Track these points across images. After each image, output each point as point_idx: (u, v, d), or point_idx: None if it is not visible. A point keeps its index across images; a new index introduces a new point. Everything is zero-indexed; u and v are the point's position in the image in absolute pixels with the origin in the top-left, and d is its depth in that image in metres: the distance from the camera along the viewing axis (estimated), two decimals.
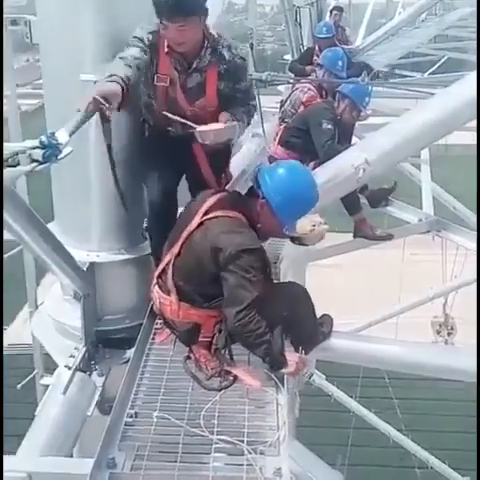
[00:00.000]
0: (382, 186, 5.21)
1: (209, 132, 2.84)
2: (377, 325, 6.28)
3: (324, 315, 3.05)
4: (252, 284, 2.51)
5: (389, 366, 3.76)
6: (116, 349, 3.13)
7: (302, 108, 5.21)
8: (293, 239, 3.22)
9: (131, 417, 2.45)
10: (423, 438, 7.95)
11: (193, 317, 2.67)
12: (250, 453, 2.27)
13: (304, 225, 3.03)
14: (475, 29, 14.76)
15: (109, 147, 2.68)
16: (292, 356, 2.66)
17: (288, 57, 8.88)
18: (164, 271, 2.75)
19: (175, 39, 2.75)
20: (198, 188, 3.00)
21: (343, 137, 4.81)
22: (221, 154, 3.10)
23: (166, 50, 2.84)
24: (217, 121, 2.91)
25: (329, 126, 4.59)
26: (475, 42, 13.74)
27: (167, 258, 2.74)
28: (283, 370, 2.62)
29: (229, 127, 2.87)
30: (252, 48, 5.71)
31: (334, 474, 3.86)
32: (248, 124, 3.12)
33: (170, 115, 2.91)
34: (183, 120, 2.90)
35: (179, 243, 2.68)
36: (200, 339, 2.69)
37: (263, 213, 2.68)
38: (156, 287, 2.79)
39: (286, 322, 2.71)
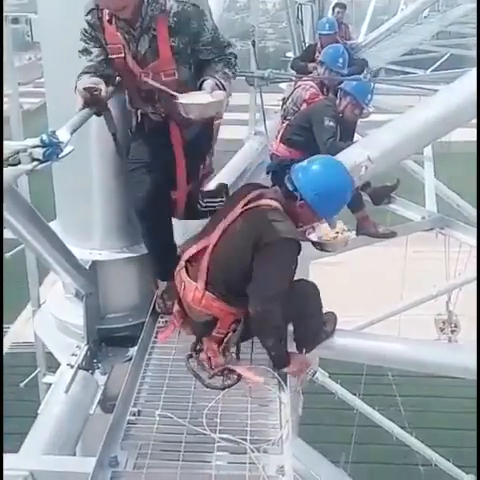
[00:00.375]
0: (385, 183, 5.20)
1: (193, 106, 2.57)
2: (380, 323, 6.27)
3: (328, 313, 3.04)
4: (285, 275, 2.55)
5: (392, 364, 3.75)
6: (119, 347, 3.12)
7: (304, 106, 5.19)
8: (315, 244, 3.11)
9: (134, 415, 2.45)
10: (427, 435, 7.94)
11: (214, 309, 2.64)
12: (253, 451, 2.26)
13: (328, 232, 3.02)
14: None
15: (114, 136, 2.71)
16: (296, 356, 2.66)
17: (290, 54, 8.87)
18: (195, 257, 2.73)
19: (114, 6, 2.51)
20: (167, 182, 2.90)
21: (345, 134, 4.79)
22: (201, 138, 2.93)
23: (107, 18, 2.63)
24: (184, 90, 2.66)
25: (331, 123, 4.58)
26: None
27: (202, 244, 2.71)
28: (286, 369, 2.62)
29: (215, 101, 2.57)
30: (254, 45, 5.71)
31: (337, 472, 3.86)
32: (234, 76, 2.79)
33: (148, 80, 2.67)
34: (162, 87, 2.65)
35: (218, 231, 2.67)
36: (213, 334, 2.68)
37: (303, 213, 2.69)
38: (183, 271, 2.76)
39: (294, 319, 2.73)
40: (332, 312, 3.07)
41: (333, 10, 8.69)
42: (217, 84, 2.61)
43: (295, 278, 2.66)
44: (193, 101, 2.57)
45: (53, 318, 3.32)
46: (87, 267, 3.07)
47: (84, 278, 2.99)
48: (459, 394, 8.48)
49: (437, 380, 7.36)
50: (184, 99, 2.59)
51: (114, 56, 2.67)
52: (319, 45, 7.12)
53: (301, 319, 2.74)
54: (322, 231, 2.97)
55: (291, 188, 2.66)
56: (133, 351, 2.88)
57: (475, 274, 6.99)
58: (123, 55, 2.64)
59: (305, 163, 2.73)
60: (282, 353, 2.61)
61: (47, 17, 2.99)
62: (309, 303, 2.78)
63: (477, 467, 2.63)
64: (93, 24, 2.64)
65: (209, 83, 2.61)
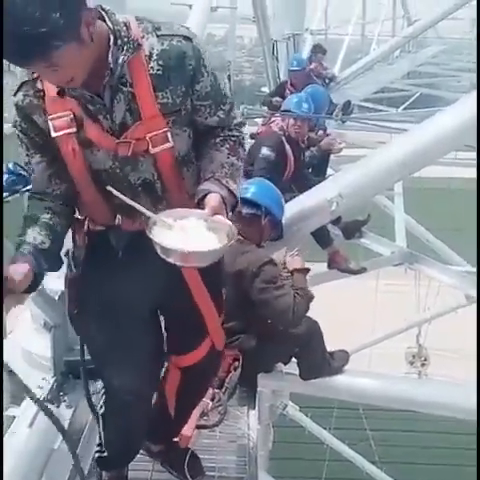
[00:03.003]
0: (356, 218, 5.28)
1: (175, 252, 1.51)
2: (351, 356, 6.27)
3: (340, 351, 3.11)
4: (283, 287, 2.64)
5: (362, 400, 3.75)
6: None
7: None
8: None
9: (99, 451, 2.40)
10: (397, 470, 7.90)
11: None
12: None
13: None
14: (447, 66, 15.22)
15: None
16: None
17: (265, 89, 9.01)
18: None
19: (57, 80, 1.59)
20: (186, 331, 1.95)
21: (318, 169, 4.87)
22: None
23: (53, 92, 1.65)
24: (179, 168, 1.78)
25: (268, 153, 4.42)
26: (447, 78, 14.16)
27: None
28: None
29: (213, 250, 1.55)
30: (229, 80, 5.81)
31: None
32: (242, 162, 1.84)
33: (113, 191, 1.67)
34: (130, 201, 1.64)
35: None
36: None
37: (266, 229, 2.87)
38: None
39: (298, 352, 2.88)
40: (345, 350, 3.14)
41: (313, 53, 8.79)
42: (224, 202, 1.65)
43: None
44: (176, 242, 1.52)
45: (19, 349, 3.25)
46: (56, 298, 3.03)
47: (53, 309, 2.94)
48: (429, 429, 8.49)
49: (407, 414, 7.37)
50: (161, 234, 1.53)
51: (60, 133, 1.67)
52: (289, 82, 7.22)
53: (304, 350, 2.81)
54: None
55: (251, 210, 2.77)
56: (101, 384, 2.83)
57: (444, 309, 7.10)
58: (72, 131, 1.67)
59: (247, 187, 2.95)
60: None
61: None
62: (311, 336, 2.85)
63: (477, 466, 2.60)
64: (26, 106, 1.69)
65: (212, 201, 1.62)
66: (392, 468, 7.88)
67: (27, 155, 1.74)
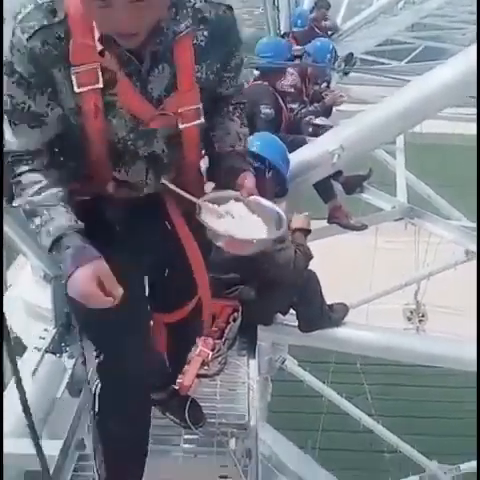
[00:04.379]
0: (357, 173, 5.24)
1: (247, 242, 1.55)
2: (350, 311, 6.32)
3: (339, 303, 3.13)
4: (285, 242, 2.69)
5: (361, 351, 3.80)
6: None
7: None
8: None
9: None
10: (393, 423, 8.07)
11: (211, 306, 2.62)
12: (220, 435, 2.27)
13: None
14: (452, 18, 14.87)
15: None
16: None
17: None
18: None
19: (123, 28, 1.36)
20: (176, 290, 1.87)
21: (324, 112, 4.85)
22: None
23: (92, 41, 1.43)
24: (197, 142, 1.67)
25: (268, 110, 4.42)
26: (452, 31, 13.86)
27: None
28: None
29: (267, 239, 1.58)
30: None
31: (305, 458, 3.91)
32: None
33: (168, 184, 1.62)
34: (185, 194, 1.59)
35: None
36: (213, 328, 2.67)
37: (270, 183, 2.90)
38: None
39: (296, 302, 2.89)
40: (344, 303, 3.15)
41: (315, 4, 8.59)
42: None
43: None
44: (227, 228, 1.52)
45: (20, 301, 3.26)
46: None
47: (52, 261, 2.94)
48: (425, 383, 8.64)
49: (403, 369, 7.49)
50: (210, 219, 1.54)
51: (85, 89, 1.46)
52: (290, 36, 7.09)
53: (300, 301, 2.81)
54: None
55: (255, 164, 2.75)
56: None
57: (443, 265, 7.12)
58: (100, 86, 1.46)
59: (251, 141, 2.92)
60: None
61: None
62: (307, 287, 2.86)
63: (477, 466, 2.66)
64: (44, 55, 1.43)
65: (248, 181, 1.62)
66: (388, 421, 8.05)
67: (23, 108, 1.47)
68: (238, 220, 1.55)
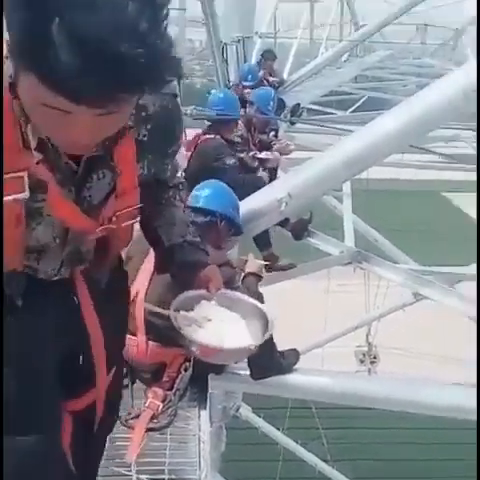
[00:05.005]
0: (301, 217, 5.40)
1: (232, 352, 1.54)
2: (303, 355, 6.33)
3: (291, 350, 3.12)
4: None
5: (314, 397, 3.80)
6: None
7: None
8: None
9: None
10: (348, 468, 8.02)
11: (160, 357, 2.56)
12: None
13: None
14: (393, 70, 15.62)
15: None
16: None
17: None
18: None
19: (82, 139, 1.16)
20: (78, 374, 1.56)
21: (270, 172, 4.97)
22: (119, 281, 1.64)
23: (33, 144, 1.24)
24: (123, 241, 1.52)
25: (232, 160, 4.59)
26: (393, 82, 14.52)
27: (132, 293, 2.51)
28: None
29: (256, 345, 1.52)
30: (179, 82, 5.79)
31: None
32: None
33: (152, 308, 1.69)
34: (157, 309, 1.75)
35: (146, 275, 2.52)
36: (164, 379, 2.60)
37: (224, 232, 2.90)
38: None
39: None
40: (295, 349, 3.15)
41: (262, 57, 8.90)
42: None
43: None
44: (209, 338, 1.45)
45: None
46: None
47: None
48: (380, 425, 8.66)
49: (358, 412, 7.49)
50: (191, 330, 1.47)
51: (9, 197, 1.24)
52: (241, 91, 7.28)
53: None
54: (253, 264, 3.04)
55: (205, 218, 2.77)
56: None
57: (392, 307, 7.26)
58: (25, 195, 1.26)
59: (197, 194, 2.92)
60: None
61: None
62: None
63: (477, 465, 2.65)
64: None
65: (213, 276, 1.56)
66: (343, 466, 8.00)
67: None
68: (221, 326, 1.48)
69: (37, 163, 1.24)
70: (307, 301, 9.76)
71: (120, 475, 2.25)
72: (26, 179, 1.24)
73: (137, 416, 2.45)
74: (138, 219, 1.47)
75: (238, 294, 1.58)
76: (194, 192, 2.96)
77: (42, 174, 1.26)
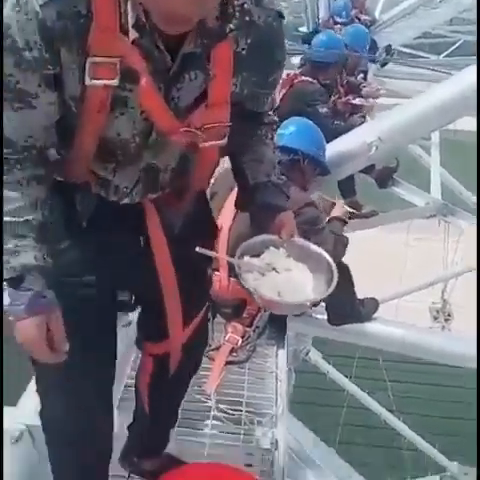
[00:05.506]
0: (386, 165, 5.24)
1: (293, 306, 1.52)
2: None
3: (370, 298, 3.11)
4: (323, 231, 2.65)
5: (388, 347, 3.77)
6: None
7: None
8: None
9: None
10: (413, 421, 8.02)
11: (241, 294, 2.58)
12: (247, 423, 2.27)
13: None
14: None
15: None
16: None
17: (303, 29, 8.74)
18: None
19: (186, 7, 1.11)
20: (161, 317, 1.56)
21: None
22: (201, 221, 1.60)
23: (108, 24, 1.19)
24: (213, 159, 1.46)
25: (325, 109, 4.48)
26: None
27: None
28: None
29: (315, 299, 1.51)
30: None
31: (329, 451, 3.90)
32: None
33: (206, 251, 1.42)
34: (220, 256, 1.70)
35: (230, 212, 2.54)
36: (244, 315, 2.65)
37: (308, 172, 2.88)
38: None
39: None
40: (375, 298, 3.13)
41: None
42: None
43: None
44: (272, 289, 1.40)
45: None
46: None
47: None
48: (446, 383, 8.57)
49: (426, 368, 7.41)
50: (252, 278, 1.40)
51: (98, 82, 1.23)
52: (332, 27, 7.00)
53: (334, 294, 2.82)
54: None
55: (288, 157, 2.73)
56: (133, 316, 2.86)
57: (472, 264, 7.01)
58: (115, 82, 1.24)
59: (282, 132, 2.88)
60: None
61: None
62: (342, 280, 2.86)
63: (477, 465, 2.64)
64: (56, 29, 1.17)
65: (288, 224, 1.47)
66: (408, 418, 8.00)
67: (19, 91, 1.21)
68: (284, 277, 1.41)
69: (132, 42, 1.20)
70: (385, 253, 9.59)
71: (200, 402, 2.32)
72: (118, 66, 1.22)
73: (217, 348, 2.51)
74: (225, 140, 1.38)
75: (309, 243, 1.48)
76: (279, 130, 2.92)
77: (135, 63, 1.22)
